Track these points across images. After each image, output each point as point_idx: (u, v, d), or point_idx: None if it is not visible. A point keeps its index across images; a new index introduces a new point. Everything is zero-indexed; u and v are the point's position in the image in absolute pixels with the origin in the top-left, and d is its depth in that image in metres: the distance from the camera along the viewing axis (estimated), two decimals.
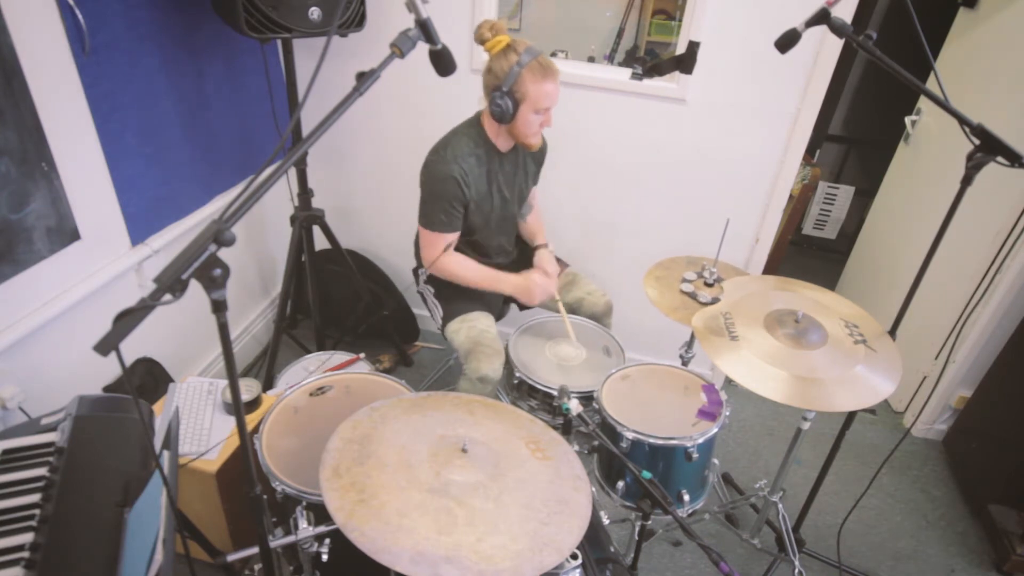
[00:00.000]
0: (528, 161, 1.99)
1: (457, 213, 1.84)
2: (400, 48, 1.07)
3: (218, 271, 0.83)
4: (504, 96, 1.69)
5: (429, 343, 2.92)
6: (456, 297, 2.00)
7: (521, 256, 2.17)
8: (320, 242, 2.48)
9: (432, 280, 2.04)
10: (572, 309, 2.12)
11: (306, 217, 2.34)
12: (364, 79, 1.02)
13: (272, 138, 2.53)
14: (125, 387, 1.88)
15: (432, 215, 1.83)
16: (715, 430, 1.63)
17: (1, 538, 1.03)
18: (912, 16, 1.31)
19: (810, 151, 3.45)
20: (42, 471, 1.14)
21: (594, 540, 1.36)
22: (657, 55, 3.49)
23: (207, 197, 2.25)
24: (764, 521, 2.04)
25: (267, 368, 2.39)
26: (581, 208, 2.53)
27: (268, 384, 2.33)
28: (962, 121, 1.33)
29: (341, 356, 2.27)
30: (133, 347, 1.99)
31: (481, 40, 1.72)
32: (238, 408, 1.01)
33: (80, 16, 1.59)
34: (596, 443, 1.57)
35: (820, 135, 3.71)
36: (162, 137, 1.99)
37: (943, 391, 2.53)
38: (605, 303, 2.11)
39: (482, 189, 1.86)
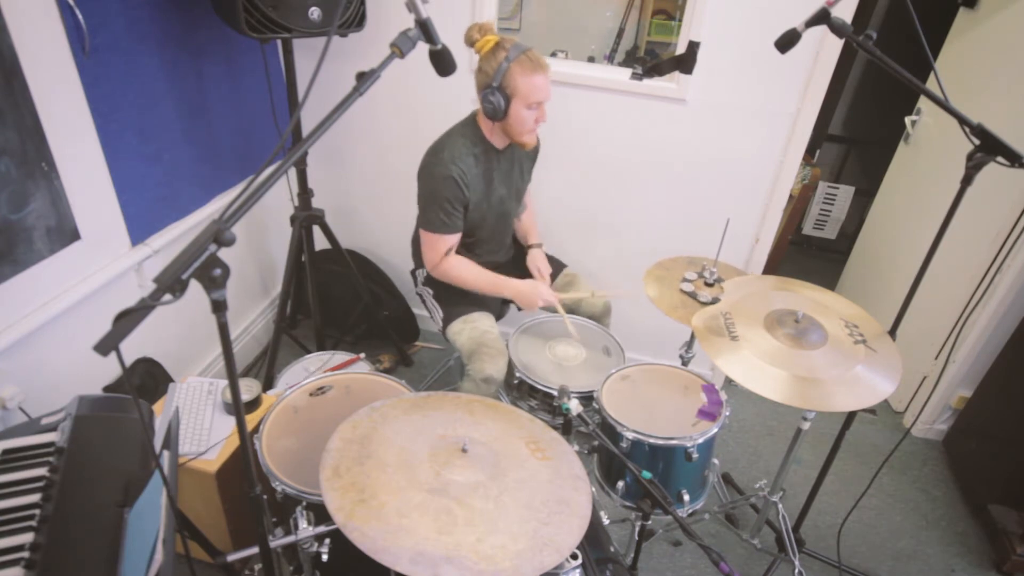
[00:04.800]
0: (524, 158, 1.99)
1: (457, 213, 1.84)
2: (400, 48, 1.07)
3: (218, 271, 0.83)
4: (495, 92, 1.70)
5: (429, 343, 2.92)
6: (455, 298, 2.00)
7: (519, 253, 2.18)
8: (320, 242, 2.48)
9: (430, 282, 2.04)
10: (570, 310, 2.12)
11: (306, 217, 2.34)
12: (364, 79, 1.02)
13: (272, 138, 2.53)
14: (125, 387, 1.88)
15: (432, 217, 1.83)
16: (715, 430, 1.63)
17: (1, 538, 1.03)
18: (912, 16, 1.31)
19: (810, 151, 3.45)
20: (42, 471, 1.14)
21: (594, 540, 1.36)
22: (657, 55, 3.49)
23: (207, 197, 2.25)
24: (764, 521, 2.04)
25: (267, 368, 2.39)
26: (581, 208, 2.53)
27: (268, 384, 2.33)
28: (962, 121, 1.33)
29: (341, 356, 2.27)
30: (133, 347, 1.99)
31: (471, 42, 1.74)
32: (238, 408, 1.01)
33: (80, 16, 1.59)
34: (596, 443, 1.57)
35: (820, 135, 3.71)
36: (162, 137, 1.99)
37: (943, 391, 2.53)
38: (603, 304, 2.12)
39: (480, 188, 1.87)
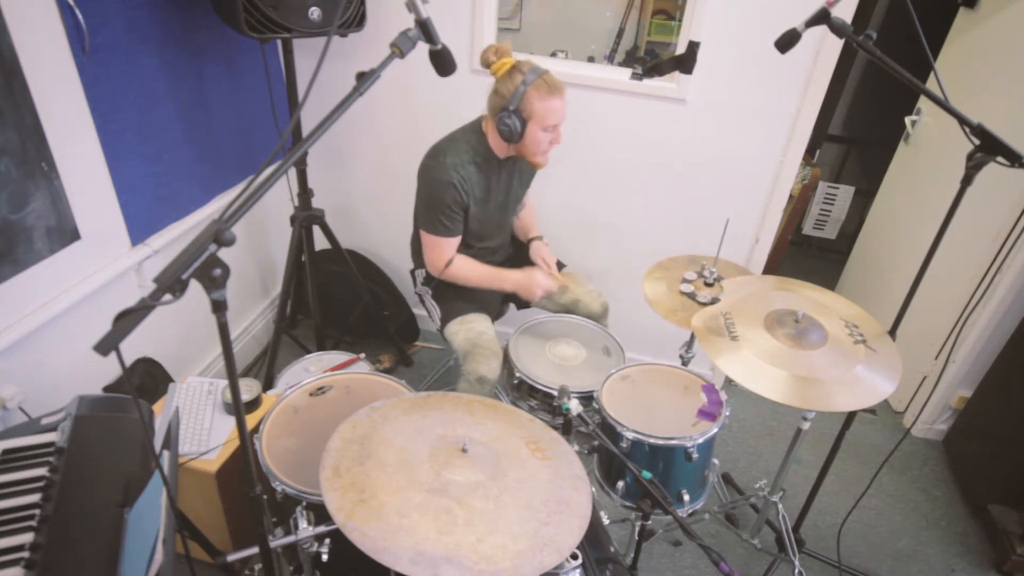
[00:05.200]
0: (525, 167, 1.99)
1: (458, 217, 1.84)
2: (400, 48, 1.07)
3: (218, 271, 0.83)
4: (511, 115, 1.70)
5: (429, 343, 2.92)
6: (454, 298, 2.00)
7: (516, 254, 2.18)
8: (320, 242, 2.48)
9: (429, 281, 2.04)
10: (568, 310, 2.13)
11: (306, 217, 2.34)
12: (364, 79, 1.02)
13: (272, 138, 2.53)
14: (125, 387, 1.88)
15: (434, 221, 1.84)
16: (715, 430, 1.63)
17: (1, 538, 1.03)
18: (912, 16, 1.31)
19: (810, 151, 3.45)
20: (42, 471, 1.14)
21: (594, 540, 1.36)
22: (657, 55, 3.49)
23: (207, 197, 2.25)
24: (764, 521, 2.04)
25: (267, 368, 2.39)
26: (581, 208, 2.53)
27: (268, 384, 2.33)
28: (962, 121, 1.33)
29: (341, 356, 2.27)
30: (133, 347, 1.99)
31: (486, 63, 1.73)
32: (238, 408, 1.01)
33: (80, 16, 1.59)
34: (596, 443, 1.57)
35: (820, 135, 3.71)
36: (162, 137, 1.99)
37: (943, 391, 2.53)
38: (601, 304, 2.11)
39: (480, 196, 1.87)
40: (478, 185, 1.85)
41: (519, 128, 1.72)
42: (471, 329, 1.92)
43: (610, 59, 3.47)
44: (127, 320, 0.75)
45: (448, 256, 1.89)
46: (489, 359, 1.83)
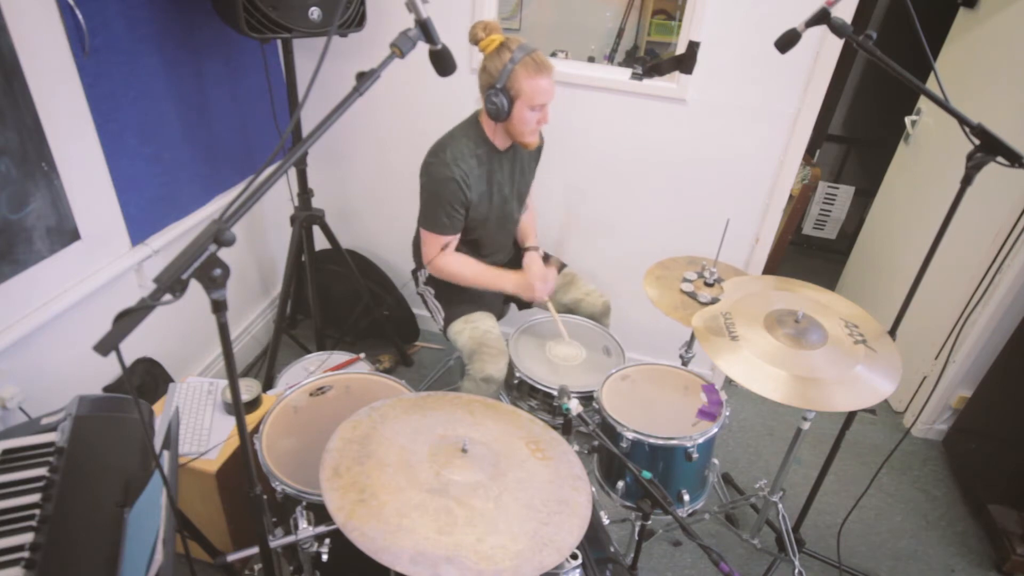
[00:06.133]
0: (526, 158, 1.99)
1: (458, 215, 1.84)
2: (400, 48, 1.07)
3: (218, 271, 0.83)
4: (499, 93, 1.69)
5: (429, 343, 2.92)
6: (457, 298, 2.00)
7: (519, 254, 2.17)
8: (320, 242, 2.48)
9: (432, 281, 2.04)
10: (570, 309, 2.12)
11: (306, 217, 2.34)
12: (364, 79, 1.02)
13: (272, 138, 2.53)
14: (125, 387, 1.88)
15: (434, 217, 1.83)
16: (715, 430, 1.63)
17: (1, 538, 1.03)
18: (912, 16, 1.31)
19: (810, 151, 3.45)
20: (42, 471, 1.14)
21: (594, 540, 1.36)
22: (657, 55, 3.49)
23: (207, 197, 2.25)
24: (764, 521, 2.04)
25: (267, 368, 2.39)
26: (580, 207, 2.53)
27: (268, 384, 2.33)
28: (962, 121, 1.33)
29: (341, 356, 2.27)
30: (133, 347, 1.99)
31: (475, 40, 1.72)
32: (238, 408, 1.01)
33: (80, 16, 1.59)
34: (596, 443, 1.57)
35: (820, 135, 3.71)
36: (162, 137, 1.99)
37: (943, 391, 2.53)
38: (603, 303, 2.11)
39: (482, 189, 1.87)
40: (480, 178, 1.84)
41: (506, 106, 1.71)
42: (476, 328, 1.92)
43: (610, 59, 3.47)
44: (127, 320, 0.75)
45: (440, 248, 1.88)
46: (496, 358, 1.83)
